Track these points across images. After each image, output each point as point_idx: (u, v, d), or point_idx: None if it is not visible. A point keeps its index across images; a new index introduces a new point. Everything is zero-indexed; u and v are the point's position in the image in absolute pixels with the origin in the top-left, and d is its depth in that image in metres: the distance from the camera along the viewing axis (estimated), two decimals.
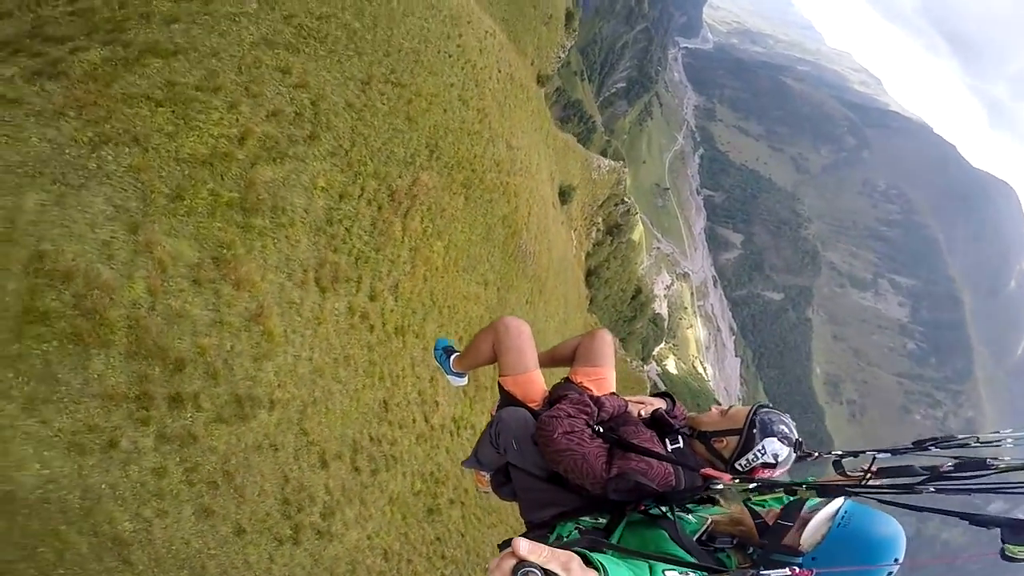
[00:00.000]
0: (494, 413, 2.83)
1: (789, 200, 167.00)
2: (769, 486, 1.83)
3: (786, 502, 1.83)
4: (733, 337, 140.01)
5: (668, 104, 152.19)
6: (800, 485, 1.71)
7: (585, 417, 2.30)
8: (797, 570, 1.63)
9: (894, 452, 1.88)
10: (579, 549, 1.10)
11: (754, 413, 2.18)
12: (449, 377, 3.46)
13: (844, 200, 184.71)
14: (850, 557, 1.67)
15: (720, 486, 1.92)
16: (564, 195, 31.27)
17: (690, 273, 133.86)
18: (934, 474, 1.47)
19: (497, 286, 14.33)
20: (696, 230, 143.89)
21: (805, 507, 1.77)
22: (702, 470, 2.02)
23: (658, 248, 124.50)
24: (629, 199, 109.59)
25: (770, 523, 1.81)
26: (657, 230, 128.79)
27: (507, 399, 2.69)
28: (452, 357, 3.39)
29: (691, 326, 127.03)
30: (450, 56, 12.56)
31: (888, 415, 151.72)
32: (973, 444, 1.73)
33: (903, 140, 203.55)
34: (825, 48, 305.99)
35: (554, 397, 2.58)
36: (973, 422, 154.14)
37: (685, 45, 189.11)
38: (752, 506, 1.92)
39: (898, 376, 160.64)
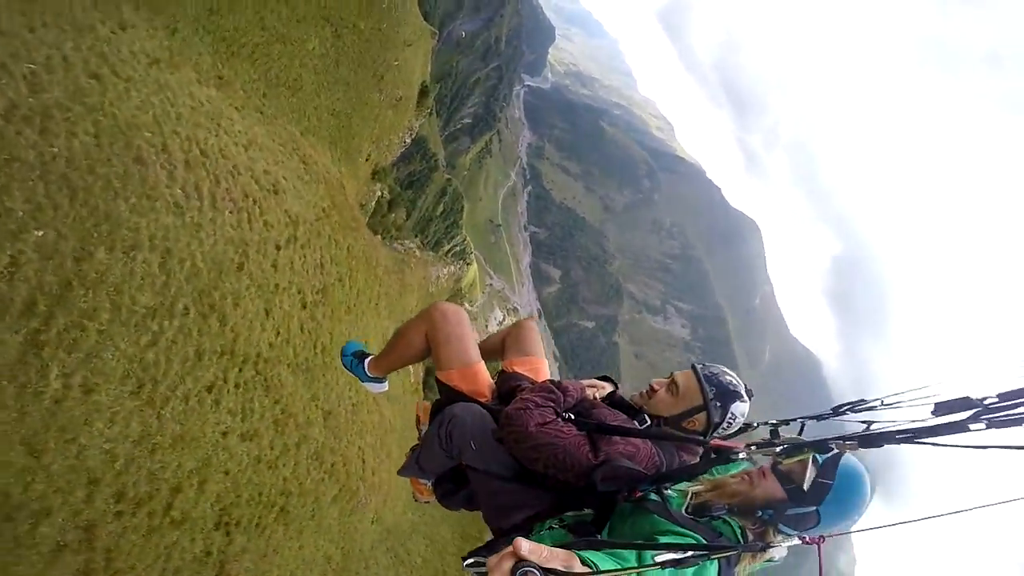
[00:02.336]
0: (422, 416, 2.64)
1: (597, 237, 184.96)
2: (798, 447, 1.68)
3: (821, 460, 1.81)
4: (557, 363, 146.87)
5: (506, 141, 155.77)
6: (839, 440, 1.54)
7: (553, 405, 2.17)
8: (808, 537, 1.84)
9: (820, 418, 1.95)
10: (575, 551, 1.09)
11: (703, 380, 2.16)
12: (367, 385, 3.10)
13: (639, 237, 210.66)
14: (850, 494, 1.84)
15: (742, 455, 1.83)
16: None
17: (519, 307, 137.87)
18: (984, 407, 1.29)
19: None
20: (523, 265, 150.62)
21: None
22: (712, 441, 1.96)
23: (491, 285, 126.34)
24: (465, 241, 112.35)
25: (805, 486, 1.80)
26: (490, 266, 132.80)
27: (451, 396, 2.47)
28: (367, 360, 3.03)
29: None
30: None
31: None
32: (878, 407, 1.75)
33: (685, 183, 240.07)
34: (636, 95, 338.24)
35: (505, 390, 2.44)
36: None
37: (528, 83, 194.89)
38: (778, 469, 1.88)
39: None
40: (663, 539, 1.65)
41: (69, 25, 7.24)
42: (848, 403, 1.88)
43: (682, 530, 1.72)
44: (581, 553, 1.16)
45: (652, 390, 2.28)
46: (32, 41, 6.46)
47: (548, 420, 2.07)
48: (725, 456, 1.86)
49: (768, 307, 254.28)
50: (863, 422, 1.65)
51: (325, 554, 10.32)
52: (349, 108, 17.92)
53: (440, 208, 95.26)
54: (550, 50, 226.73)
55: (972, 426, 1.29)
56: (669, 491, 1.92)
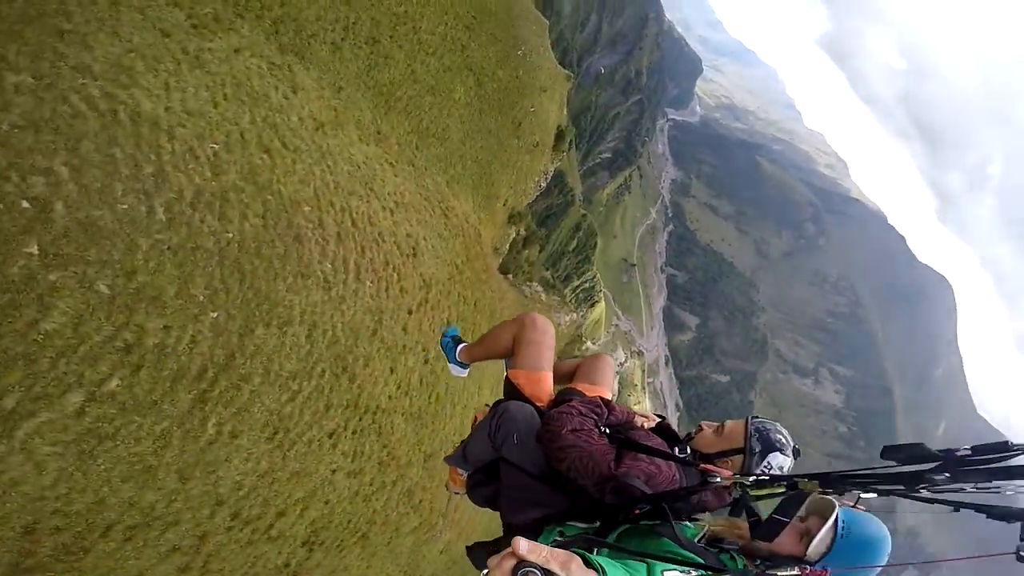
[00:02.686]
0: (479, 416, 2.82)
1: (746, 287, 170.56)
2: (772, 480, 1.79)
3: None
4: (678, 414, 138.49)
5: (648, 176, 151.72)
6: (802, 478, 1.61)
7: (595, 418, 2.29)
8: (808, 569, 1.80)
9: (868, 472, 1.74)
10: (577, 550, 1.10)
11: (751, 427, 2.19)
12: (451, 366, 3.44)
13: (797, 290, 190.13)
14: (857, 560, 1.81)
15: (719, 480, 1.91)
16: None
17: (644, 351, 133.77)
18: (951, 458, 1.34)
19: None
20: (655, 309, 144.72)
21: (800, 511, 1.77)
22: (701, 465, 2.03)
23: (616, 325, 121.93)
24: (595, 279, 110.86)
25: (762, 519, 1.81)
26: (618, 306, 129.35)
27: (512, 394, 2.63)
28: (460, 347, 3.35)
29: (638, 402, 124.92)
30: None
31: None
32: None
33: (858, 229, 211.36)
34: (801, 128, 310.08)
35: (560, 400, 2.55)
36: (893, 502, 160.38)
37: (673, 117, 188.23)
38: (746, 498, 1.90)
39: (828, 456, 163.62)
40: (663, 566, 1.59)
41: (247, 96, 8.52)
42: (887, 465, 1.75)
43: (689, 555, 1.73)
44: (589, 555, 1.14)
45: (700, 429, 2.34)
46: (215, 118, 7.66)
47: (584, 428, 2.18)
48: (706, 479, 1.94)
49: (952, 380, 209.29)
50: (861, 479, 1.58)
51: (388, 574, 10.82)
52: (490, 155, 18.86)
53: (573, 244, 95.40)
54: (698, 82, 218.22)
55: (935, 476, 1.33)
56: (685, 522, 1.98)
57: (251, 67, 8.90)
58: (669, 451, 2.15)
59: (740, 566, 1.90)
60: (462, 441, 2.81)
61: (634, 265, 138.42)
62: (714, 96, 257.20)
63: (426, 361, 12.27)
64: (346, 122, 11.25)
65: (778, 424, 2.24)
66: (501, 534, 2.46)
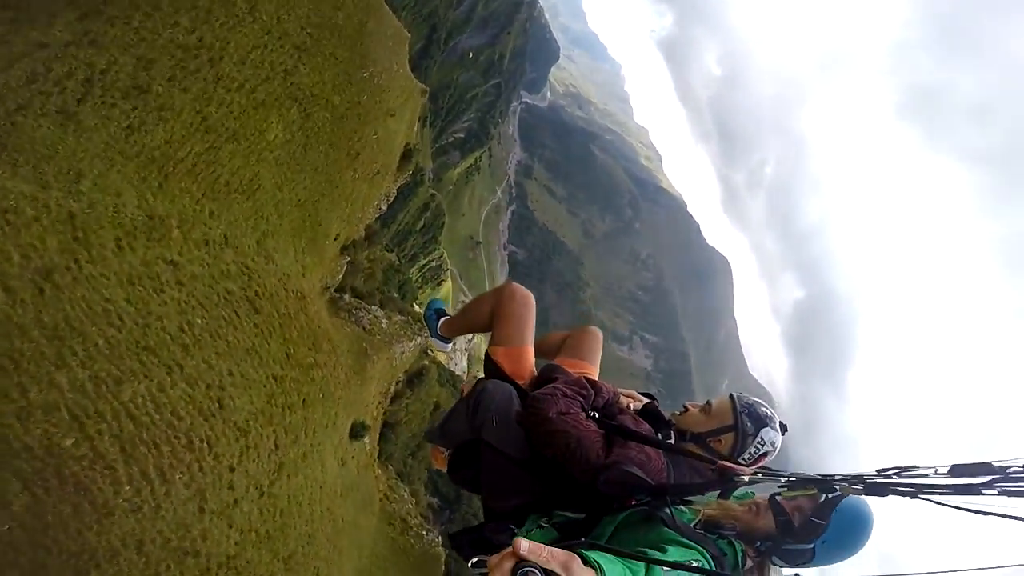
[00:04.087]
0: (466, 389, 2.67)
1: (574, 263, 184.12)
2: (803, 482, 1.76)
3: (821, 499, 1.85)
4: None
5: (497, 157, 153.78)
6: (843, 482, 1.61)
7: (581, 400, 2.20)
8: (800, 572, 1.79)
9: (864, 481, 1.78)
10: (577, 549, 1.10)
11: (738, 404, 2.17)
12: (433, 340, 3.38)
13: (614, 266, 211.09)
14: (851, 535, 1.85)
15: (745, 479, 1.86)
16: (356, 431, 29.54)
17: None
18: (1004, 475, 1.33)
19: None
20: (498, 284, 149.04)
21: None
22: (719, 462, 1.96)
23: (463, 301, 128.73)
24: (442, 257, 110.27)
25: (797, 523, 1.85)
26: (464, 283, 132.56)
27: (493, 372, 2.52)
28: (442, 320, 3.25)
29: (480, 374, 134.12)
30: None
31: None
32: (931, 475, 1.60)
33: (665, 215, 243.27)
34: (631, 122, 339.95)
35: (544, 377, 2.45)
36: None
37: (526, 100, 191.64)
38: (778, 500, 1.91)
39: None
40: (671, 549, 1.62)
41: None
42: (896, 467, 1.72)
43: (689, 542, 1.69)
44: (588, 553, 1.14)
45: (685, 409, 2.31)
46: None
47: (570, 411, 2.10)
48: (729, 477, 1.87)
49: (730, 344, 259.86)
50: (908, 485, 1.56)
51: None
52: (317, 194, 15.79)
53: (421, 223, 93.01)
54: (552, 69, 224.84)
55: (985, 491, 1.31)
56: (681, 507, 1.93)
57: None
58: (657, 438, 2.09)
59: (740, 551, 1.89)
60: (444, 414, 2.62)
61: (479, 243, 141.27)
62: (564, 84, 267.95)
63: (262, 493, 11.75)
64: (91, 229, 7.67)
65: (760, 400, 2.21)
66: (483, 519, 2.36)
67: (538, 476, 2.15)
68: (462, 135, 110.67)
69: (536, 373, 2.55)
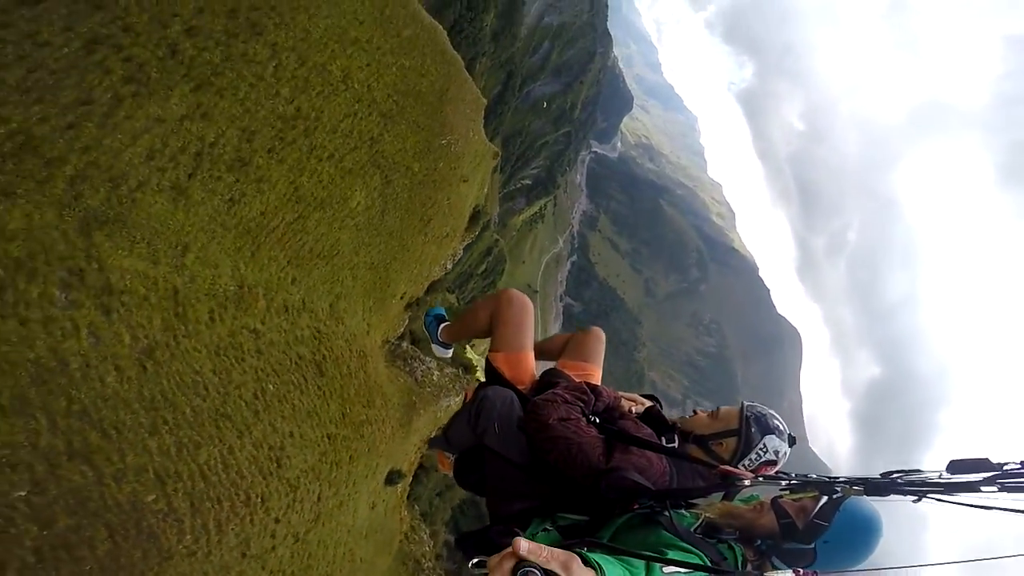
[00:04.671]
0: (469, 393, 2.66)
1: (632, 323, 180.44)
2: (804, 485, 1.79)
3: (823, 501, 1.84)
4: None
5: (561, 206, 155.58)
6: (840, 483, 1.64)
7: (582, 405, 2.21)
8: (802, 571, 1.77)
9: (863, 481, 1.84)
10: (577, 549, 1.10)
11: (747, 411, 2.16)
12: (434, 346, 3.39)
13: (674, 328, 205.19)
14: (853, 536, 1.83)
15: (747, 483, 1.90)
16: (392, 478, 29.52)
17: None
18: (1002, 472, 1.37)
19: None
20: (549, 335, 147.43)
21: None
22: (720, 467, 1.98)
23: None
24: None
25: (800, 525, 1.85)
26: None
27: (493, 377, 2.53)
28: (442, 326, 3.27)
29: None
30: None
31: None
32: (937, 478, 1.65)
33: (734, 279, 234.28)
34: (705, 176, 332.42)
35: (545, 382, 2.48)
36: None
37: (596, 150, 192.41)
38: (779, 503, 1.91)
39: None
40: (670, 553, 1.64)
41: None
42: (900, 470, 1.75)
43: (688, 547, 1.71)
44: (588, 554, 1.13)
45: (695, 413, 2.31)
46: None
47: (571, 417, 2.12)
48: (732, 482, 1.90)
49: (792, 417, 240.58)
50: (907, 483, 1.60)
51: None
52: (389, 257, 16.58)
53: (483, 267, 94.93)
54: (625, 119, 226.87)
55: (984, 488, 1.35)
56: (682, 510, 1.94)
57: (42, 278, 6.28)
58: (658, 443, 2.07)
59: (739, 555, 1.87)
60: (447, 421, 2.66)
61: (536, 292, 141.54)
62: (635, 134, 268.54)
63: (296, 540, 11.99)
64: (190, 303, 8.53)
65: (774, 411, 2.18)
66: (488, 523, 2.33)
67: (541, 480, 2.15)
68: (529, 182, 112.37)
69: (537, 378, 2.55)
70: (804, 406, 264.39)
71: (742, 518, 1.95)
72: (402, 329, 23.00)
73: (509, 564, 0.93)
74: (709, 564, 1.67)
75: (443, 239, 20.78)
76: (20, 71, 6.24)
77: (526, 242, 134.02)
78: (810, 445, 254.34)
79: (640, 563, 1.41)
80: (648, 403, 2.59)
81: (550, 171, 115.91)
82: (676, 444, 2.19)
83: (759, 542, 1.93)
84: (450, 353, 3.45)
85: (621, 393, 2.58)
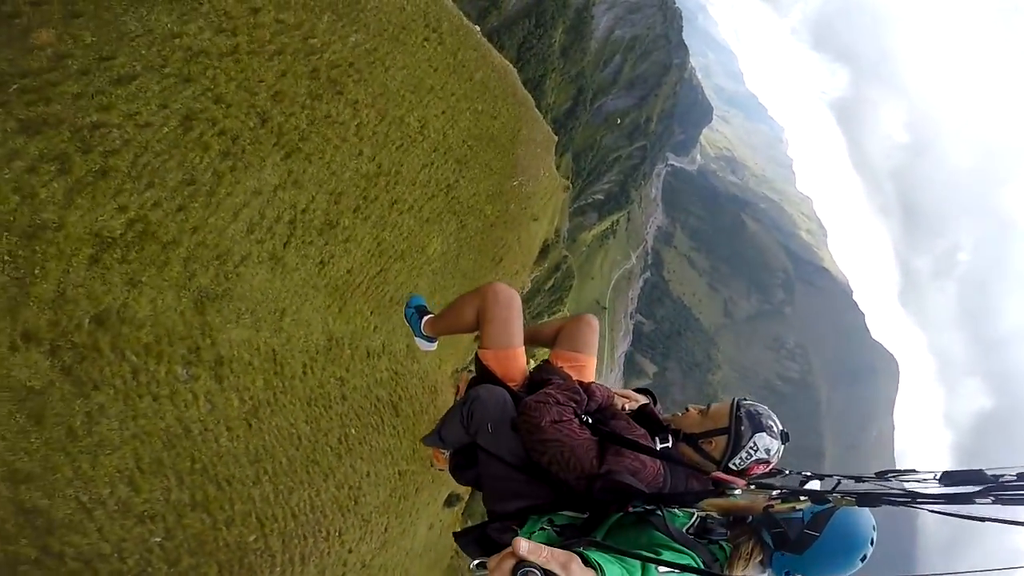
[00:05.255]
0: (462, 387, 2.67)
1: (707, 344, 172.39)
2: (795, 494, 1.77)
3: (814, 511, 1.82)
4: None
5: (635, 220, 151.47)
6: (833, 494, 1.62)
7: (574, 405, 2.20)
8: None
9: (859, 479, 1.92)
10: (577, 548, 1.11)
11: (737, 408, 2.12)
12: (417, 340, 3.19)
13: (754, 351, 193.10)
14: (843, 547, 1.83)
15: (738, 492, 1.88)
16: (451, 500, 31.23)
17: None
18: (998, 484, 1.38)
19: None
20: (618, 353, 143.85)
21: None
22: (715, 473, 1.98)
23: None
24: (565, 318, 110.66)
25: (791, 535, 1.84)
26: None
27: (484, 375, 2.49)
28: (425, 318, 3.11)
29: None
30: None
31: None
32: (928, 479, 1.73)
33: (823, 302, 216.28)
34: (792, 190, 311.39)
35: (536, 380, 2.44)
36: None
37: (672, 163, 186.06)
38: (772, 514, 1.88)
39: None
40: (664, 554, 1.65)
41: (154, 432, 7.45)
42: (894, 470, 1.81)
43: (680, 548, 1.72)
44: (588, 554, 1.13)
45: (687, 410, 2.29)
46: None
47: (564, 419, 2.11)
48: (723, 489, 1.90)
49: (879, 447, 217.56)
50: (902, 491, 1.60)
51: None
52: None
53: (550, 283, 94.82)
54: (704, 131, 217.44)
55: (979, 500, 1.36)
56: (675, 510, 1.93)
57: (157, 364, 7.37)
58: (651, 445, 2.07)
59: (729, 551, 1.89)
60: (440, 419, 2.61)
61: (605, 308, 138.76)
62: (716, 146, 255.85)
63: (363, 566, 12.57)
64: (287, 361, 9.66)
65: (767, 407, 2.16)
66: (487, 519, 2.35)
67: (537, 480, 2.15)
68: (601, 196, 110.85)
69: (528, 374, 2.51)
70: (897, 436, 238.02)
71: (738, 508, 1.96)
72: (470, 358, 23.98)
73: (509, 564, 0.93)
74: (701, 567, 1.68)
75: (514, 275, 21.44)
76: (129, 156, 6.75)
77: (596, 257, 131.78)
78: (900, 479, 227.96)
79: (636, 562, 1.43)
80: (642, 400, 2.56)
81: (623, 185, 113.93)
82: (669, 444, 2.16)
83: (750, 519, 1.95)
84: (435, 347, 3.20)
85: (615, 390, 2.57)
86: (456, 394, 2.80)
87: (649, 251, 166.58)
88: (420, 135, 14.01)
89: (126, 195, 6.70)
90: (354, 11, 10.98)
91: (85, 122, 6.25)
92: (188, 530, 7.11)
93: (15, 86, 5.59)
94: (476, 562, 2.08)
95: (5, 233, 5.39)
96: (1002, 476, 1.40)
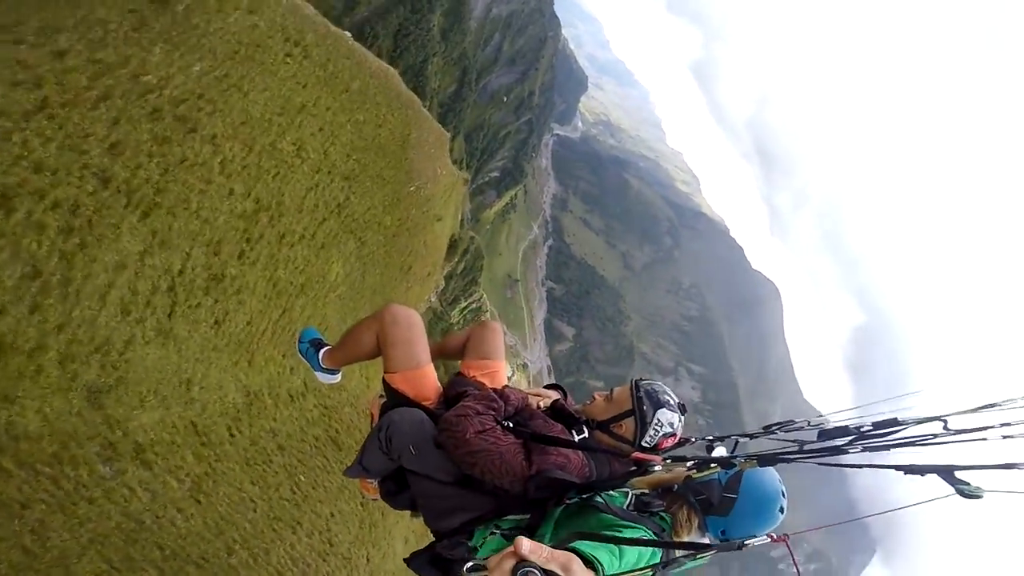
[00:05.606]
0: (375, 412, 2.65)
1: (615, 297, 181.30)
2: (706, 462, 1.85)
3: (726, 475, 2.03)
4: None
5: (531, 192, 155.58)
6: (737, 458, 1.73)
7: (493, 413, 2.22)
8: (775, 536, 1.88)
9: (752, 436, 2.15)
10: (571, 544, 1.14)
11: (636, 389, 2.26)
12: (318, 375, 3.12)
13: (656, 297, 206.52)
14: (761, 502, 2.04)
15: (658, 468, 1.96)
16: None
17: (529, 363, 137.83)
18: (860, 434, 1.55)
19: None
20: (537, 321, 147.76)
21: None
22: (634, 454, 2.10)
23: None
24: (482, 299, 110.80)
25: (714, 500, 2.03)
26: (504, 322, 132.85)
27: (396, 398, 2.48)
28: (322, 351, 3.04)
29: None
30: None
31: None
32: (806, 427, 1.97)
33: (706, 242, 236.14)
34: (664, 147, 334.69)
35: (451, 394, 2.45)
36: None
37: (557, 132, 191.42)
38: (693, 483, 1.97)
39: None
40: (624, 532, 1.73)
41: None
42: (778, 423, 2.10)
43: (630, 524, 1.82)
44: (581, 548, 1.15)
45: (593, 399, 2.39)
46: None
47: (486, 428, 2.12)
48: (644, 468, 1.97)
49: (782, 372, 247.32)
50: (791, 441, 1.81)
51: None
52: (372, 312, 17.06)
53: (461, 266, 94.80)
54: (581, 99, 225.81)
55: (850, 449, 1.52)
56: (613, 492, 2.03)
57: None
58: (570, 439, 2.12)
59: (669, 521, 2.04)
60: (360, 449, 2.53)
61: (518, 280, 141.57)
62: (594, 113, 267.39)
63: None
64: (210, 429, 8.70)
65: (661, 383, 2.29)
66: (432, 539, 2.35)
67: (473, 491, 2.18)
68: (497, 174, 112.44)
69: (441, 390, 2.51)
70: (794, 359, 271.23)
71: (663, 481, 2.09)
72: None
73: (509, 564, 0.93)
74: (657, 537, 1.80)
75: (425, 278, 21.10)
76: None
77: (501, 233, 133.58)
78: (805, 397, 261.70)
79: (616, 548, 1.51)
80: (553, 395, 2.61)
81: (516, 160, 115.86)
82: (586, 434, 2.24)
83: (675, 487, 2.10)
84: (338, 378, 3.14)
85: (527, 390, 2.60)
86: (372, 421, 2.73)
87: (548, 219, 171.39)
88: (298, 158, 12.84)
89: None
90: (192, 37, 9.62)
91: None
92: None
93: None
94: (470, 565, 2.09)
95: None
96: (863, 427, 1.58)
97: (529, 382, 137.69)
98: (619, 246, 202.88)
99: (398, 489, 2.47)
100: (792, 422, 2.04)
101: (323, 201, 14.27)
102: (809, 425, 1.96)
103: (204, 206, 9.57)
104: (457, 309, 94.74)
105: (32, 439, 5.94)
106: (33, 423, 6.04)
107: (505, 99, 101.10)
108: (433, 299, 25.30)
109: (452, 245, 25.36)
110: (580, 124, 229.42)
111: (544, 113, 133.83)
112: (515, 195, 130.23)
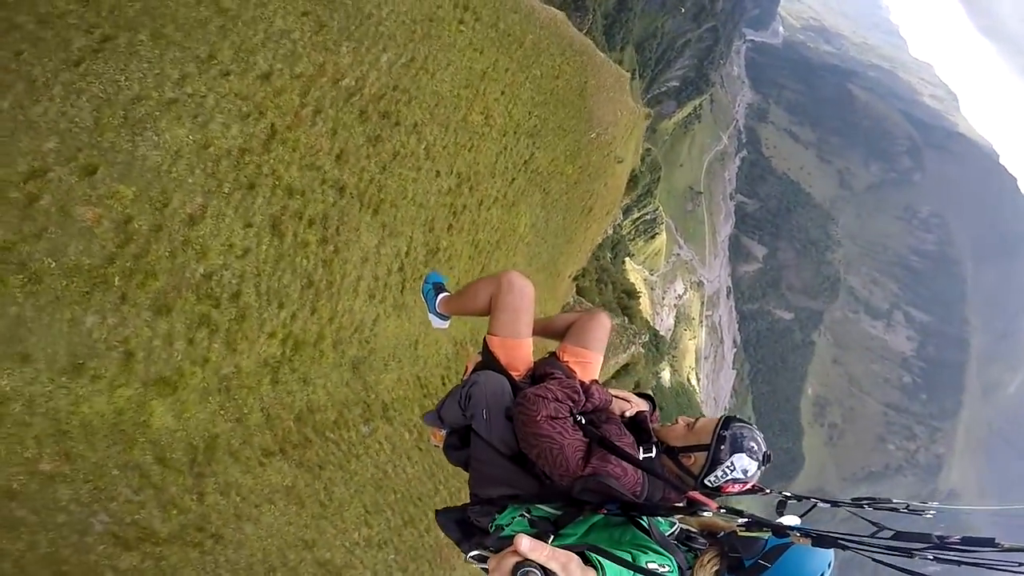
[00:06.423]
0: (470, 367, 2.70)
1: (823, 220, 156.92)
2: (758, 524, 1.77)
3: (771, 543, 1.87)
4: (734, 350, 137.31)
5: (720, 101, 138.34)
6: (795, 531, 1.63)
7: (571, 404, 2.22)
8: None
9: (834, 504, 1.99)
10: (577, 548, 1.16)
11: (722, 427, 2.14)
12: (431, 316, 3.22)
13: (880, 223, 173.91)
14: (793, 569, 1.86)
15: (708, 513, 1.89)
16: None
17: (705, 282, 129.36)
18: (940, 544, 1.42)
19: None
20: (720, 237, 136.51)
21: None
22: (689, 492, 2.00)
23: (678, 255, 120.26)
24: (657, 211, 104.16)
25: (746, 562, 1.89)
26: (681, 236, 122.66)
27: (488, 360, 2.52)
28: (440, 296, 3.15)
29: (694, 337, 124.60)
30: None
31: (864, 442, 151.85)
32: (902, 510, 1.79)
33: (962, 167, 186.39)
34: (905, 57, 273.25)
35: (539, 373, 2.48)
36: (942, 458, 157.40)
37: (752, 38, 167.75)
38: (736, 538, 1.92)
39: (886, 406, 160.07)
40: (644, 556, 1.76)
41: None
42: (869, 497, 1.89)
43: (661, 550, 1.80)
44: (589, 553, 1.24)
45: (675, 421, 2.32)
46: None
47: (559, 416, 2.15)
48: (695, 510, 1.89)
49: None
50: (871, 522, 1.66)
51: None
52: (557, 253, 17.63)
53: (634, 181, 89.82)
54: (783, 2, 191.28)
55: (918, 554, 1.41)
56: (658, 517, 2.00)
57: None
58: (635, 455, 2.13)
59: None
60: (441, 399, 2.67)
61: (700, 193, 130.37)
62: (800, 18, 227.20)
63: None
64: (428, 380, 10.74)
65: (754, 428, 2.17)
66: (469, 501, 2.45)
67: (522, 470, 2.21)
68: (676, 84, 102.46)
69: (532, 366, 2.53)
70: None
71: (716, 527, 2.03)
72: (570, 297, 24.82)
73: (510, 563, 0.94)
74: (678, 571, 1.76)
75: (605, 215, 21.24)
76: (251, 290, 6.95)
77: (682, 144, 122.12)
78: None
79: (627, 552, 1.53)
80: (642, 406, 2.55)
81: (699, 69, 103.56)
82: (652, 455, 2.20)
83: (720, 533, 2.01)
84: (447, 325, 3.24)
85: (615, 392, 2.56)
86: (464, 373, 2.77)
87: (742, 130, 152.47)
88: (487, 127, 13.40)
89: (268, 323, 7.26)
90: (370, 27, 9.52)
91: (196, 278, 6.38)
92: (406, 543, 8.98)
93: (115, 276, 5.62)
94: (472, 554, 2.16)
95: (209, 397, 6.59)
96: (948, 538, 1.44)
97: (703, 303, 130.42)
98: (835, 162, 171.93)
99: (460, 445, 2.52)
100: (889, 500, 1.80)
101: (512, 162, 15.00)
102: (907, 509, 1.76)
103: (418, 191, 10.79)
104: (629, 219, 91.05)
105: (322, 410, 8.08)
106: (321, 398, 8.25)
107: (683, 9, 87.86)
108: (610, 231, 25.12)
109: (632, 180, 24.59)
110: (782, 29, 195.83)
111: (732, 19, 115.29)
112: (700, 105, 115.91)
